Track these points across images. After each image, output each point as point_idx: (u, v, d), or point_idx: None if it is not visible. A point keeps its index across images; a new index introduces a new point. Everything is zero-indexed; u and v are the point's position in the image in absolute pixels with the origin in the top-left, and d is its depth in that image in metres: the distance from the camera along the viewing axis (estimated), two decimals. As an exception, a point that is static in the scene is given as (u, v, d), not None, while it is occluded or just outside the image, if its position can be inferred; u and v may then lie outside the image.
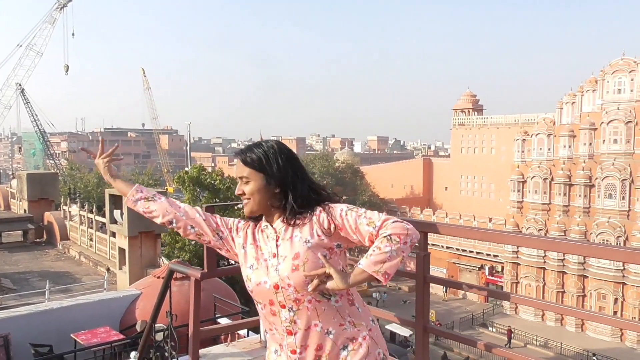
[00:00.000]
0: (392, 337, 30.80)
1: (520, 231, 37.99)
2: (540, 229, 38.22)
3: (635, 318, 32.25)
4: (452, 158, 61.17)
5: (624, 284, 33.62)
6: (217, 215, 2.05)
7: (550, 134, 38.95)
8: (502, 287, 40.29)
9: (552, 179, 38.30)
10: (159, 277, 8.81)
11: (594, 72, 37.45)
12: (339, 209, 1.79)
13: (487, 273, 43.37)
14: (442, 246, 44.98)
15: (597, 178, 35.84)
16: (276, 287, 1.76)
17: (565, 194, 37.49)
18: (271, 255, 1.81)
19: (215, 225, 1.99)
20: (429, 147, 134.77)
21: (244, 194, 1.86)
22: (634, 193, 34.23)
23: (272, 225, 1.86)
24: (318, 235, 1.77)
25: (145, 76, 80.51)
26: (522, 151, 40.90)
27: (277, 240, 1.82)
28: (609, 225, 34.83)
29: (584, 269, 35.50)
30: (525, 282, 38.83)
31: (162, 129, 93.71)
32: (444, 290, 42.46)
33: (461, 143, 58.53)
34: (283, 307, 1.77)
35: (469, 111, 58.55)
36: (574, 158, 37.31)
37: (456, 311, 39.24)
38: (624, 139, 34.86)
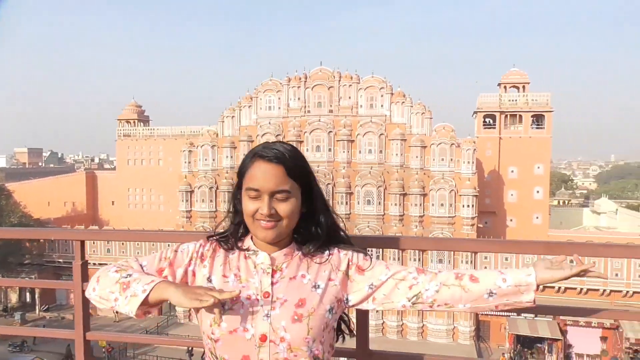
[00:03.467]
0: None
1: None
2: (209, 236, 40.01)
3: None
4: (118, 171, 58.41)
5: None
6: (159, 255, 1.44)
7: (214, 145, 41.41)
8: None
9: (217, 188, 40.71)
10: None
11: (250, 90, 41.76)
12: (361, 255, 1.44)
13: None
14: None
15: (255, 185, 39.89)
16: (263, 338, 1.31)
17: (229, 201, 40.09)
18: (261, 294, 1.35)
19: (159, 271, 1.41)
20: (93, 160, 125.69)
21: (275, 215, 1.35)
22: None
23: (268, 254, 1.40)
24: (330, 280, 1.40)
25: None
26: (189, 162, 42.17)
27: (273, 275, 1.37)
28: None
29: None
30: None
31: None
32: (115, 312, 40.06)
33: (127, 155, 56.45)
34: None
35: (134, 122, 57.07)
36: (236, 167, 40.24)
37: (129, 330, 37.32)
38: (275, 150, 39.89)
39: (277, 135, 39.77)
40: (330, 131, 38.98)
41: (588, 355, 31.43)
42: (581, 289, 31.95)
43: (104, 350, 29.88)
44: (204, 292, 1.23)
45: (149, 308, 1.32)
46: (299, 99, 40.04)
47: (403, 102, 38.66)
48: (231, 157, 40.76)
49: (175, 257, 1.44)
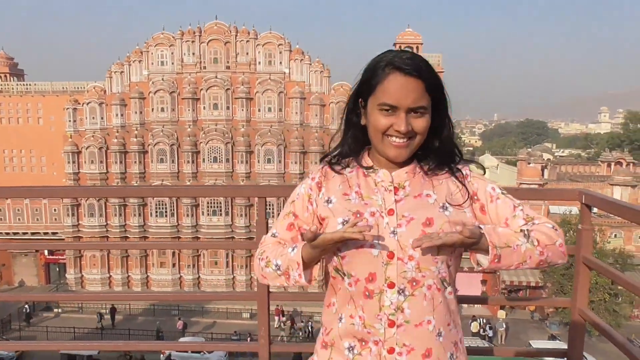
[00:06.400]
0: None
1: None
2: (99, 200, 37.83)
3: (203, 262, 36.82)
4: (-9, 130, 52.67)
5: (179, 237, 37.40)
6: (282, 214, 1.44)
7: (102, 103, 38.55)
8: (64, 264, 38.18)
9: (108, 148, 38.23)
10: None
11: (140, 44, 39.06)
12: (489, 183, 1.35)
13: (46, 253, 40.02)
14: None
15: (149, 144, 38.00)
16: (390, 256, 1.25)
17: (121, 162, 38.13)
18: (385, 211, 1.28)
19: (296, 230, 1.40)
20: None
21: (410, 132, 1.26)
22: (181, 156, 38.08)
23: (388, 172, 1.32)
24: (458, 205, 1.30)
25: None
26: (74, 120, 38.97)
27: (396, 192, 1.30)
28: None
29: (145, 230, 37.53)
30: (89, 253, 37.92)
31: None
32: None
33: (0, 113, 51.00)
34: (391, 286, 1.25)
35: (5, 76, 51.43)
36: (127, 126, 38.28)
37: (11, 302, 34.66)
38: (170, 108, 38.07)
39: (172, 92, 37.91)
40: (228, 88, 37.82)
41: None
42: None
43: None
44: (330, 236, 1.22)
45: (310, 268, 1.32)
46: (193, 54, 38.20)
47: (302, 60, 38.39)
48: (121, 115, 38.26)
49: (295, 207, 1.41)
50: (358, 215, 1.28)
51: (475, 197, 1.34)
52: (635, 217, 1.77)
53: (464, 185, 1.34)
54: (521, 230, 1.25)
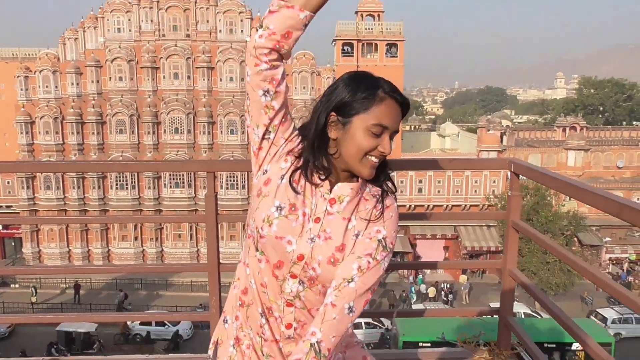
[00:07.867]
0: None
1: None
2: (57, 171, 36.73)
3: (166, 235, 36.44)
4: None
5: (141, 210, 36.85)
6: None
7: (56, 71, 37.02)
8: (20, 238, 37.20)
9: (63, 118, 36.95)
10: None
11: (94, 9, 37.45)
12: (385, 230, 1.36)
13: (0, 227, 38.85)
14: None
15: (107, 115, 36.90)
16: (300, 258, 1.33)
17: (78, 133, 36.96)
18: (313, 218, 1.34)
19: (278, 122, 1.37)
20: None
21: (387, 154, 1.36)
22: (142, 127, 37.18)
23: (331, 183, 1.36)
24: (369, 221, 1.36)
25: None
26: (27, 89, 37.37)
27: (331, 205, 1.34)
28: (123, 159, 36.91)
29: (105, 203, 36.80)
30: (47, 227, 37.04)
31: None
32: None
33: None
34: (294, 277, 1.35)
35: (-49, 42, 48.60)
36: (84, 95, 36.98)
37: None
38: (129, 77, 36.91)
39: (130, 60, 36.71)
40: (189, 57, 36.89)
41: (432, 263, 35.67)
42: (428, 205, 35.52)
43: None
44: None
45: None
46: (151, 21, 36.93)
47: (264, 28, 37.64)
48: (77, 84, 36.88)
49: (286, 112, 1.38)
50: (293, 209, 1.33)
51: (369, 226, 1.37)
52: (558, 186, 1.87)
53: (382, 214, 1.37)
54: (311, 345, 1.28)
